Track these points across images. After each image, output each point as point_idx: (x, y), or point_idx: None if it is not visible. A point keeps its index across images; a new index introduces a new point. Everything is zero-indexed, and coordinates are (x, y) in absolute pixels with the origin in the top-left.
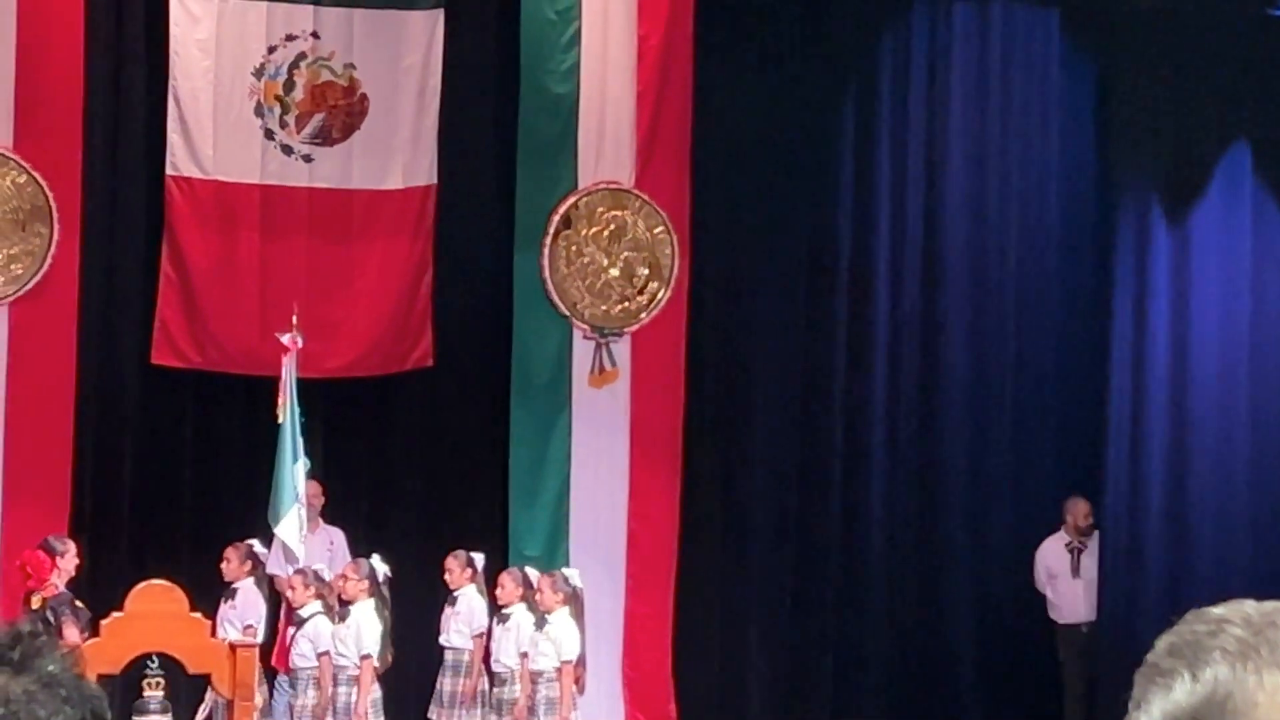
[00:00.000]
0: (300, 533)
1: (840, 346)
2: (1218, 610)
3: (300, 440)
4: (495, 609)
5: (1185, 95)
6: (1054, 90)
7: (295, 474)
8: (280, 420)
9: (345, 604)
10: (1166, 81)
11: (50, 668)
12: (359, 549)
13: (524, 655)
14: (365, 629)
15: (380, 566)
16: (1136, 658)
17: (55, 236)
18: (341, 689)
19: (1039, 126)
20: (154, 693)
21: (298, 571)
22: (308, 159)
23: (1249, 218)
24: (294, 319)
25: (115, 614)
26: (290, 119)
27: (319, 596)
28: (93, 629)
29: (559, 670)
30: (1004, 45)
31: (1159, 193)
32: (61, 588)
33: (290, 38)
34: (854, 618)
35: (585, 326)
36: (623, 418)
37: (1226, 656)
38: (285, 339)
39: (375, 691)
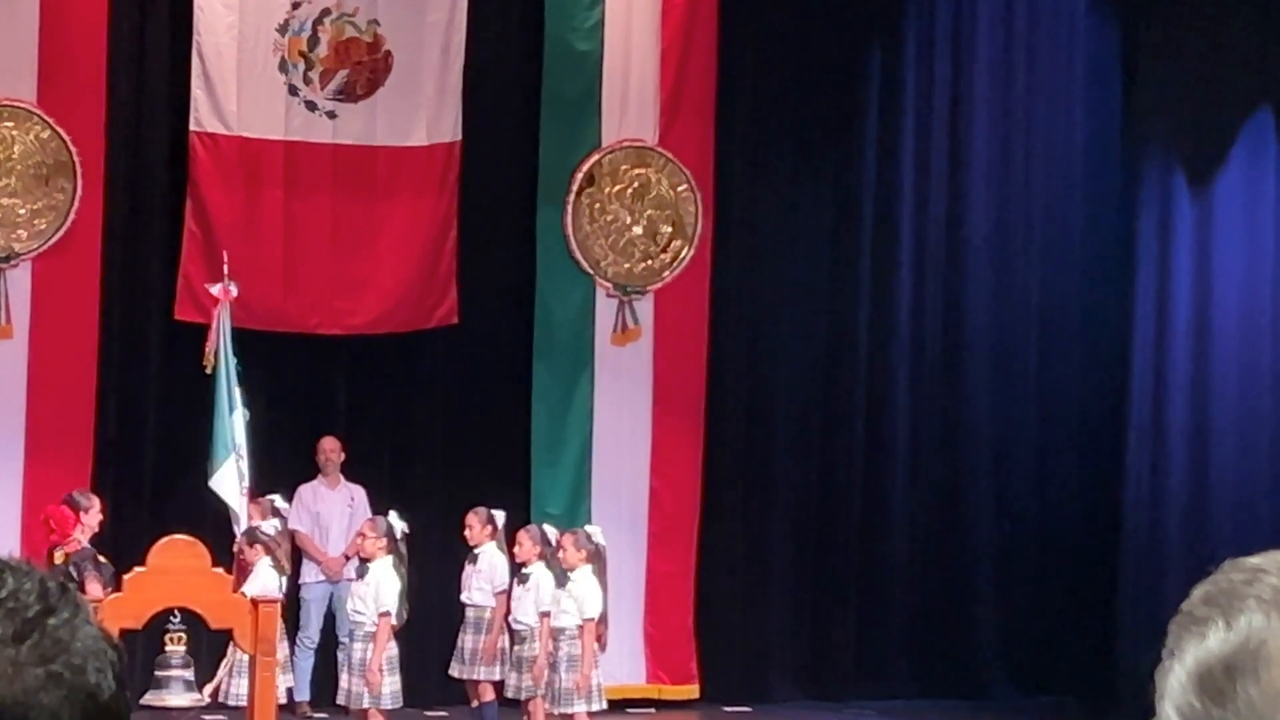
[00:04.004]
0: (240, 486)
1: (864, 304)
2: (1254, 560)
3: (237, 391)
4: (514, 567)
5: (1209, 61)
6: (1079, 53)
7: (232, 425)
8: (209, 370)
9: (364, 561)
10: (1191, 47)
11: (51, 620)
12: (380, 506)
13: (544, 614)
14: (384, 586)
15: (397, 523)
16: (1159, 619)
17: (79, 191)
18: (357, 645)
19: (1064, 89)
20: (176, 647)
21: (244, 532)
22: (332, 115)
23: (1272, 184)
24: (224, 268)
25: (138, 569)
26: (314, 75)
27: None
28: (115, 584)
29: (581, 628)
30: (1029, 5)
31: (1182, 158)
32: (84, 543)
33: None
34: (877, 574)
35: (608, 284)
36: (645, 375)
37: (1262, 605)
38: (215, 289)
39: (391, 649)
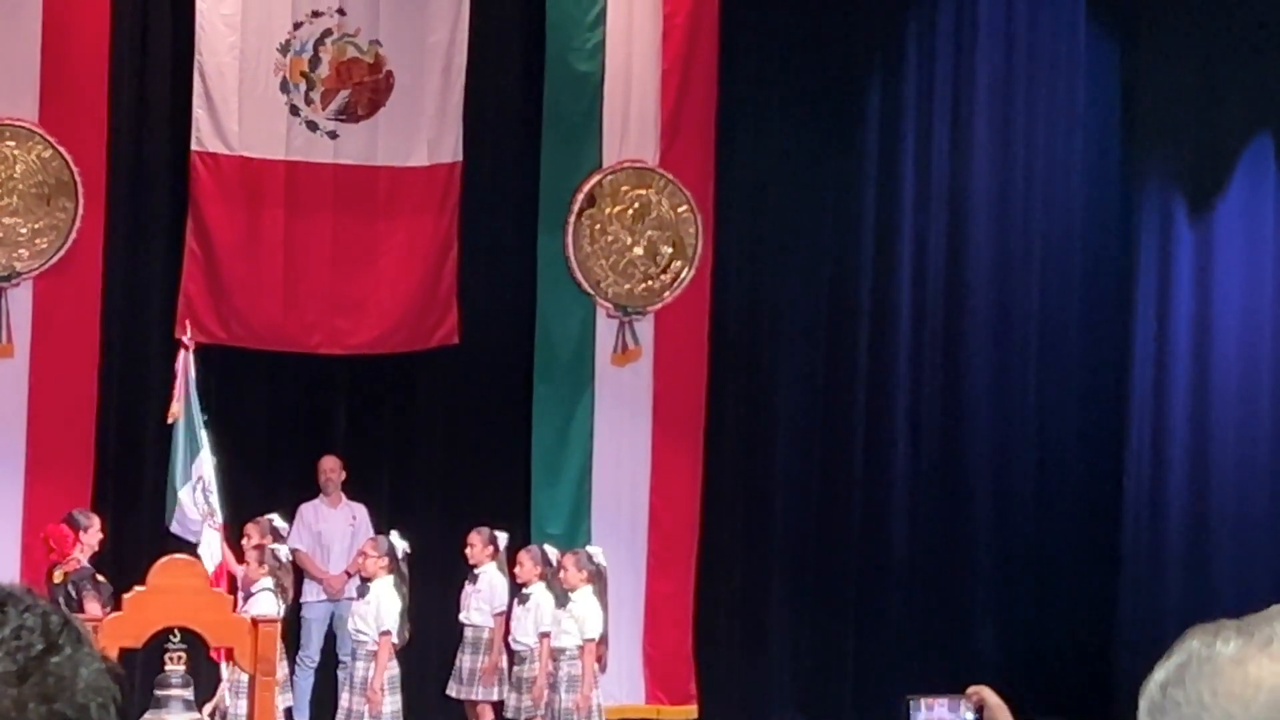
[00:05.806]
0: (212, 521)
1: (863, 327)
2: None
3: (204, 433)
4: (515, 587)
5: (1209, 87)
6: (1079, 78)
7: (201, 463)
8: (173, 420)
9: (365, 580)
10: (1191, 73)
11: (53, 659)
12: (381, 525)
13: (544, 635)
14: (385, 606)
15: (399, 543)
16: (1158, 641)
17: (80, 211)
18: (359, 664)
19: (1064, 114)
20: (176, 667)
21: (255, 547)
22: (333, 135)
23: (1272, 210)
24: (187, 325)
25: (137, 588)
26: (316, 95)
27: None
28: (115, 603)
29: (581, 648)
30: (1029, 31)
31: (1182, 184)
32: (84, 562)
33: (316, 14)
34: (876, 595)
35: (609, 305)
36: (645, 396)
37: (1199, 633)
38: (185, 338)
39: (393, 668)
